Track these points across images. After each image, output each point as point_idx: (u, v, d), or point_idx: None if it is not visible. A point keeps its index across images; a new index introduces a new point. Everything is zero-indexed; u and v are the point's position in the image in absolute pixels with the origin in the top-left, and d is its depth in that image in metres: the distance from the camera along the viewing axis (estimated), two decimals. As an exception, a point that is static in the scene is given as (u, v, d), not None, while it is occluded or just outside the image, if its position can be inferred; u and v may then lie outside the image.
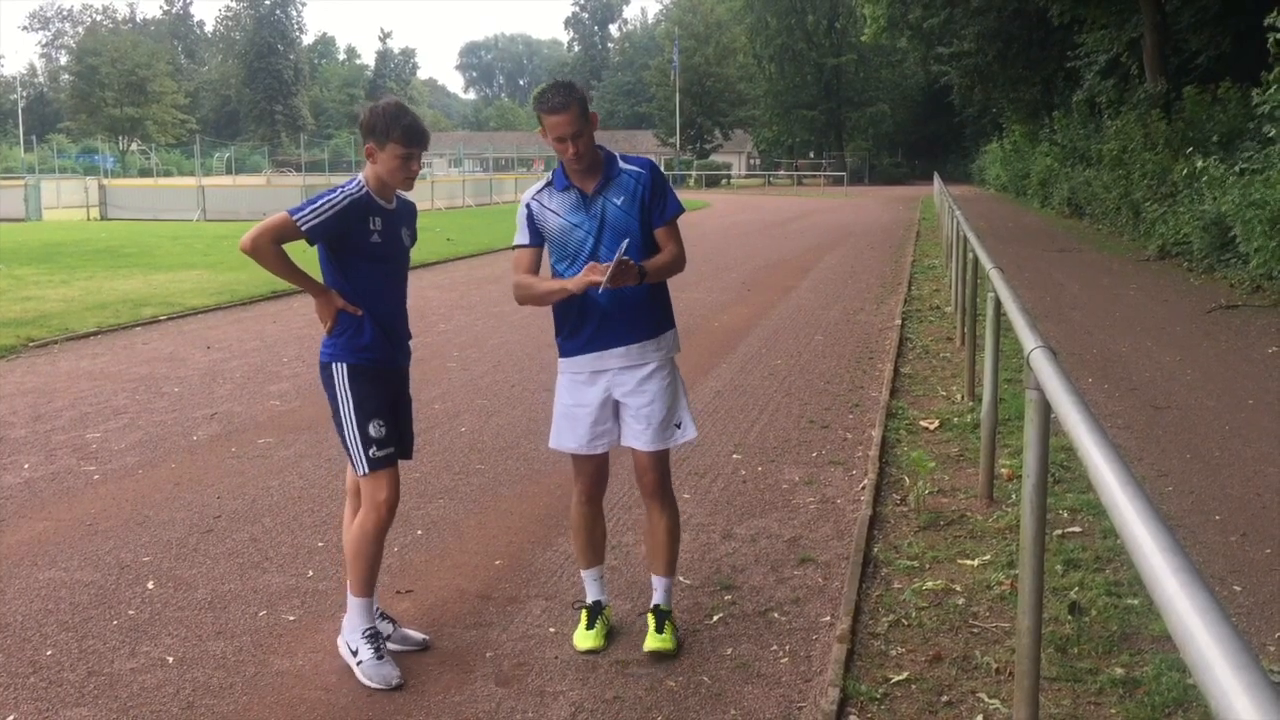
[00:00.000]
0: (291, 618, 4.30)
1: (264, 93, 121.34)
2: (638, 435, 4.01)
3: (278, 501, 5.76)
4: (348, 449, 3.87)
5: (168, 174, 72.02)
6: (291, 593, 4.55)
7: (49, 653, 3.98)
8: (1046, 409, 3.04)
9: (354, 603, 3.88)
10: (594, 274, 3.71)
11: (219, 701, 3.63)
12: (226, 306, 13.30)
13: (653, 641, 3.99)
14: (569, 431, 4.07)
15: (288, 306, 13.39)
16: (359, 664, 3.78)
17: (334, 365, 3.86)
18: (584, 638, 4.04)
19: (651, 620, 4.05)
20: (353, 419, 3.83)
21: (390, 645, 3.95)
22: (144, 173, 77.17)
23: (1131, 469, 1.92)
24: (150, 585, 4.61)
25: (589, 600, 4.17)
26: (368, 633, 3.83)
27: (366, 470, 3.84)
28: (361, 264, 3.84)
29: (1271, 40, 12.80)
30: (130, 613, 4.34)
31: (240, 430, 7.24)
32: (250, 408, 7.88)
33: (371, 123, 3.75)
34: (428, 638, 4.08)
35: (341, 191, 3.77)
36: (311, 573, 4.77)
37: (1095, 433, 2.17)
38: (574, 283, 3.77)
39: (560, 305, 3.95)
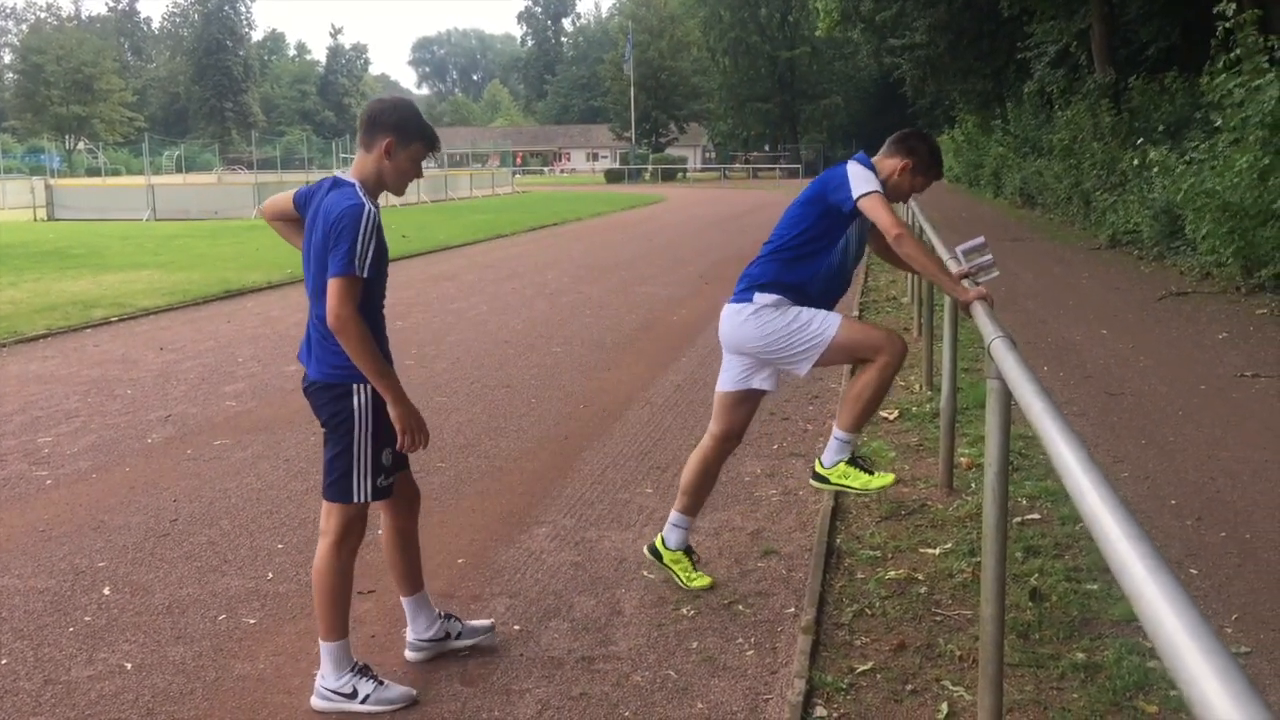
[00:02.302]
0: (252, 621, 4.25)
1: (213, 90, 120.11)
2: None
3: (235, 504, 5.69)
4: (347, 474, 3.51)
5: (116, 173, 70.95)
6: (251, 596, 4.49)
7: (3, 661, 3.90)
8: (1007, 398, 3.06)
9: (330, 649, 3.57)
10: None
11: (179, 708, 3.57)
12: (179, 307, 13.12)
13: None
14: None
15: (241, 306, 13.25)
16: (364, 699, 3.55)
17: (355, 386, 3.46)
18: (702, 578, 4.54)
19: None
20: (368, 445, 3.50)
21: (463, 643, 3.91)
22: (92, 172, 76.09)
23: (1094, 456, 1.93)
24: (106, 591, 4.54)
25: (686, 546, 4.58)
26: (356, 668, 3.60)
27: (368, 499, 3.55)
28: (379, 283, 3.51)
29: (1220, 29, 12.97)
30: (86, 619, 4.26)
31: (195, 432, 7.15)
32: (205, 409, 7.78)
33: (400, 119, 3.49)
34: (491, 621, 4.06)
35: (361, 210, 3.37)
36: (271, 575, 4.71)
37: (1058, 421, 2.19)
38: (967, 295, 4.07)
39: (834, 279, 4.33)
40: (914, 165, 4.35)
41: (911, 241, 4.07)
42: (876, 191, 4.09)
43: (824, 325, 4.19)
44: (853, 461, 4.36)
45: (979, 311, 3.81)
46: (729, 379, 4.42)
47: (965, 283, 4.28)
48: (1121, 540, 1.52)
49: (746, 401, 4.47)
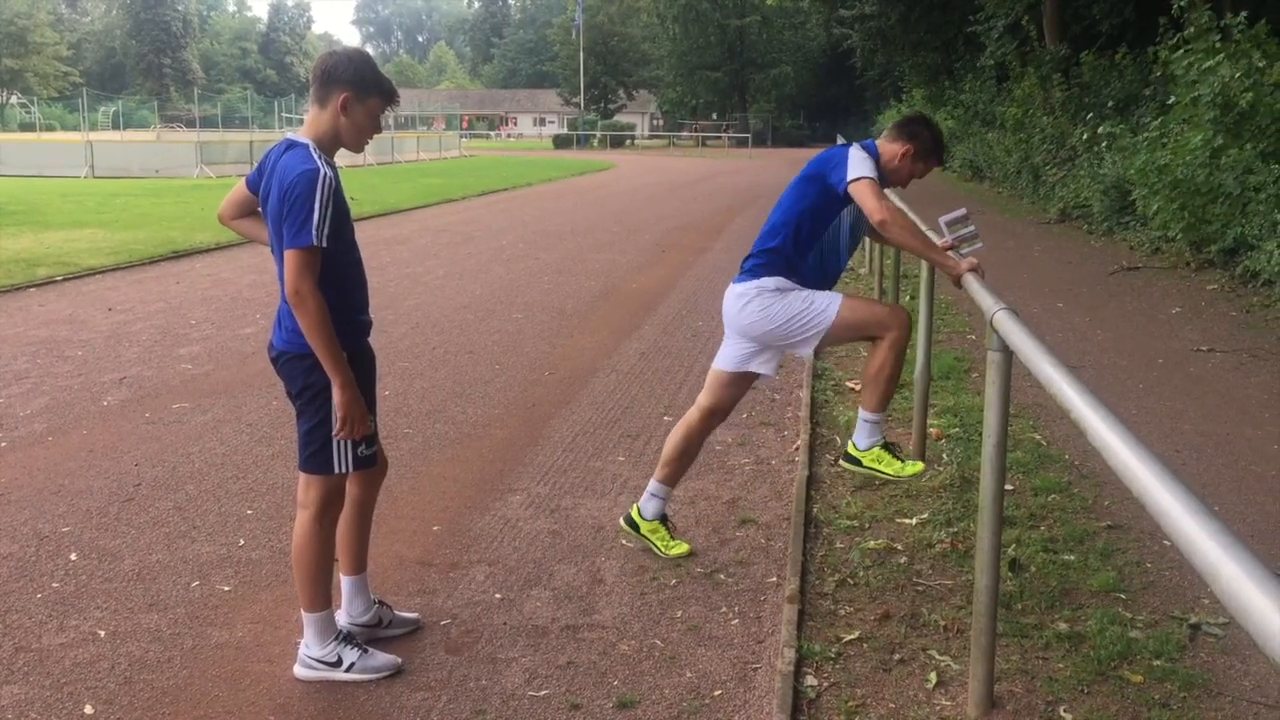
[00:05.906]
0: (227, 588, 4.16)
1: (151, 45, 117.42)
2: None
3: (199, 469, 5.57)
4: (326, 445, 3.39)
5: (50, 128, 69.19)
6: (224, 562, 4.40)
7: (-30, 629, 3.79)
8: (1008, 369, 3.06)
9: (313, 619, 3.49)
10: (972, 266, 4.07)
11: (158, 676, 3.49)
12: (125, 267, 12.81)
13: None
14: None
15: (190, 268, 12.97)
16: (349, 668, 3.48)
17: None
18: (681, 545, 4.52)
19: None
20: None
21: (392, 632, 3.76)
22: (25, 127, 74.18)
23: (1132, 428, 1.92)
24: (73, 556, 4.42)
25: (663, 514, 4.57)
26: (339, 637, 3.53)
27: (350, 469, 3.44)
28: (343, 246, 3.38)
29: (1176, 7, 13.10)
30: (54, 585, 4.15)
31: (152, 395, 6.99)
32: (161, 372, 7.60)
33: (356, 72, 3.30)
34: (417, 615, 3.91)
35: (316, 175, 3.20)
36: (243, 541, 4.61)
37: (1085, 393, 2.18)
38: (958, 269, 4.05)
39: (831, 259, 4.33)
40: (916, 150, 4.32)
41: (897, 227, 4.03)
42: (868, 178, 4.04)
43: (826, 306, 4.18)
44: (886, 447, 4.37)
45: (973, 284, 3.80)
46: (729, 359, 4.41)
47: (951, 254, 4.28)
48: (1185, 518, 1.51)
49: (741, 382, 4.46)
